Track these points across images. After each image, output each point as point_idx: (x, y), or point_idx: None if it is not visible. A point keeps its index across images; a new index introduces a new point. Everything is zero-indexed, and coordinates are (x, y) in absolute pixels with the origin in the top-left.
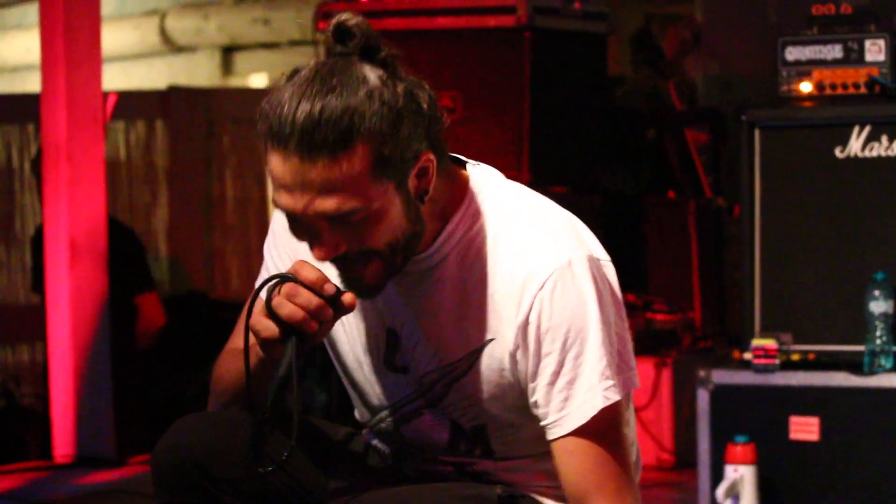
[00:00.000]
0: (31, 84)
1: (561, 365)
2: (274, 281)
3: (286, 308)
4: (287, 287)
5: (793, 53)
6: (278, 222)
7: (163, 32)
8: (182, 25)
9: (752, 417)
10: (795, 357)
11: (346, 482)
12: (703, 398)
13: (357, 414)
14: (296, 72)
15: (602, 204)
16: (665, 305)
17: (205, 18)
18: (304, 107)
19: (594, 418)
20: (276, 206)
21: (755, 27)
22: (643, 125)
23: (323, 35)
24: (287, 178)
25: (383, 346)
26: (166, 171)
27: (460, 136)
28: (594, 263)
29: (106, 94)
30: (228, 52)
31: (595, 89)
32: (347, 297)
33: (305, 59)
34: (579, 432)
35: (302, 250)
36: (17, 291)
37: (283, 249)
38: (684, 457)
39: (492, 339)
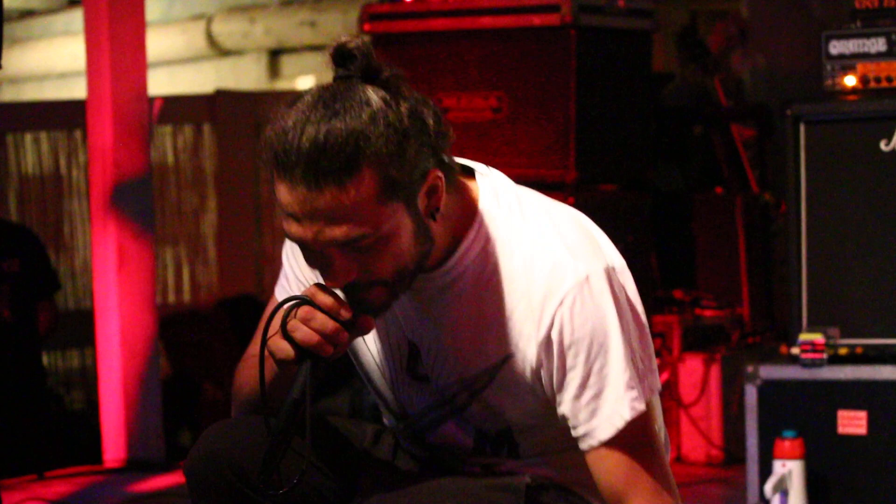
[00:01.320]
0: (79, 90)
1: (586, 379)
2: (290, 303)
3: (301, 332)
4: (303, 311)
5: (837, 47)
6: None
7: (209, 36)
8: (229, 29)
9: (799, 412)
10: (843, 351)
11: (376, 484)
12: (750, 393)
13: (385, 420)
14: (297, 97)
15: (649, 201)
16: (713, 301)
17: (251, 22)
18: (309, 134)
19: (623, 428)
20: (286, 235)
21: (800, 22)
22: (690, 122)
23: (367, 36)
24: (295, 207)
25: (406, 355)
26: (214, 175)
27: (506, 136)
28: (611, 274)
29: (152, 100)
30: (275, 56)
31: (641, 87)
32: (365, 320)
33: None
34: (610, 442)
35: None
36: (67, 297)
37: (300, 256)
38: (733, 452)
39: (511, 355)
